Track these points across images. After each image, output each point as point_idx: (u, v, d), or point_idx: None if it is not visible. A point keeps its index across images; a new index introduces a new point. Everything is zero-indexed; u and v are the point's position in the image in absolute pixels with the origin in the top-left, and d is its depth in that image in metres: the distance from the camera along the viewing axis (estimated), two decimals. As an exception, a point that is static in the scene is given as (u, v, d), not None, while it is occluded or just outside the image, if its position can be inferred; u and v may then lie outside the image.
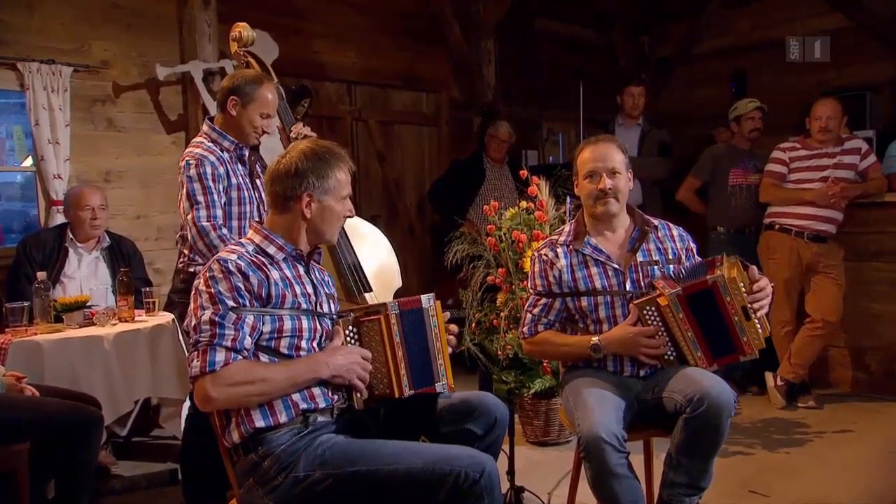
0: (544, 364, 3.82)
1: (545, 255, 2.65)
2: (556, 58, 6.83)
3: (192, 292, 1.98)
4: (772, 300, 2.44)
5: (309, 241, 2.13)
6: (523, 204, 4.04)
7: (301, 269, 2.12)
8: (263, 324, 1.96)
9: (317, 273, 2.19)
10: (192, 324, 1.94)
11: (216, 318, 1.90)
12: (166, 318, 3.51)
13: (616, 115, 5.42)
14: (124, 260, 3.87)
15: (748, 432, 3.97)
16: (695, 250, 2.69)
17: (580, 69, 6.37)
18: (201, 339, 1.90)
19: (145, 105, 4.62)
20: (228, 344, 1.89)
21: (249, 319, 1.93)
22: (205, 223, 2.84)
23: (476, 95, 6.28)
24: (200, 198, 2.85)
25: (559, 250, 2.64)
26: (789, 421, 4.21)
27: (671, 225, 2.73)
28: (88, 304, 3.44)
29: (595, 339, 2.51)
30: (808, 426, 4.11)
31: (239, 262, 1.97)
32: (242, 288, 1.94)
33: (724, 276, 2.37)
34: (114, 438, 3.77)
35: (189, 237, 2.89)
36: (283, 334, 1.99)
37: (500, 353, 3.91)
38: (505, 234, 3.98)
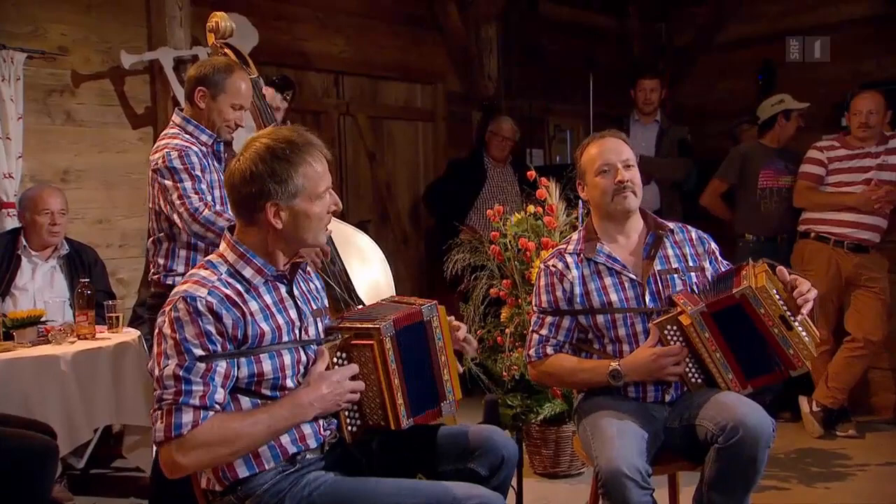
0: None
1: (553, 266, 2.62)
2: (564, 46, 6.79)
3: (156, 332, 1.87)
4: (815, 301, 2.38)
5: (290, 249, 2.01)
6: (531, 208, 4.00)
7: (283, 290, 2.00)
8: (238, 368, 1.86)
9: (302, 287, 2.08)
10: (155, 374, 1.82)
11: (181, 373, 1.78)
12: (131, 335, 3.46)
13: (631, 110, 5.40)
14: (84, 270, 3.83)
15: (782, 464, 3.92)
16: (718, 253, 2.67)
17: (591, 59, 6.32)
18: (165, 396, 1.78)
19: (108, 96, 4.56)
20: (196, 402, 1.78)
21: (221, 368, 1.82)
22: (196, 204, 2.81)
23: (476, 88, 6.25)
24: (187, 182, 2.83)
25: (569, 260, 2.61)
26: (827, 452, 4.16)
27: (688, 227, 2.71)
28: (43, 319, 3.39)
29: (615, 364, 2.46)
30: (848, 458, 4.07)
31: (209, 299, 1.83)
32: (213, 332, 1.82)
33: (751, 287, 2.33)
34: (70, 471, 3.71)
35: (181, 222, 2.85)
36: (264, 377, 1.89)
37: (504, 374, 3.87)
38: (510, 242, 3.94)
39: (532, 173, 4.08)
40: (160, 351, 1.83)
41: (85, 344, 3.29)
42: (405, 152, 6.14)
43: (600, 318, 2.52)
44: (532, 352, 2.62)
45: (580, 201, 4.06)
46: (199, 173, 2.87)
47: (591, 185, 2.62)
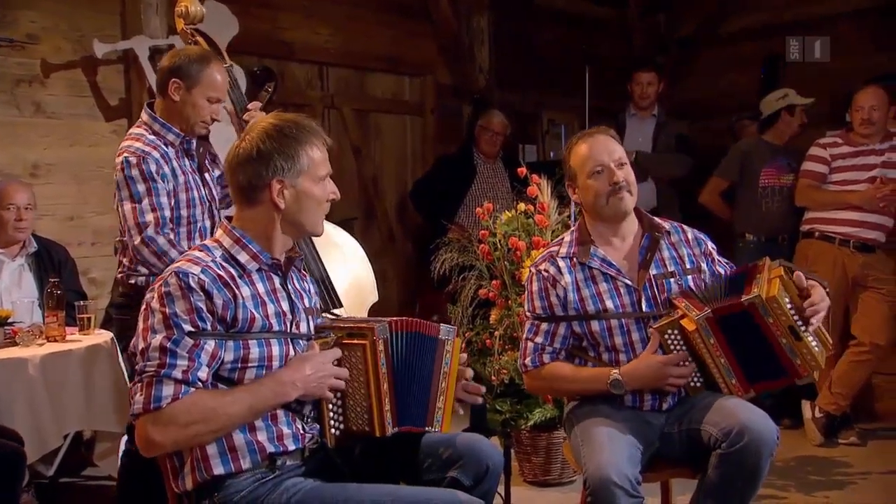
0: (545, 392, 3.79)
1: (545, 270, 2.61)
2: (559, 38, 6.82)
3: (143, 308, 1.92)
4: (828, 311, 2.42)
5: (289, 234, 2.07)
6: (521, 206, 4.03)
7: (277, 282, 2.06)
8: (225, 351, 1.91)
9: (296, 283, 2.14)
10: (140, 347, 1.87)
11: (168, 345, 1.83)
12: (103, 336, 3.46)
13: (628, 104, 5.43)
14: (54, 268, 3.83)
15: (781, 472, 3.96)
16: (715, 253, 2.69)
17: (587, 51, 6.35)
18: (147, 368, 1.83)
19: (80, 87, 4.57)
20: (179, 375, 1.82)
21: (209, 346, 1.87)
22: (151, 231, 2.83)
23: (467, 81, 6.28)
24: (145, 200, 2.84)
25: (561, 264, 2.61)
26: (828, 460, 4.19)
27: (684, 227, 2.72)
28: (10, 320, 3.39)
29: (615, 373, 2.47)
30: (850, 465, 4.10)
31: (202, 277, 1.89)
32: (204, 309, 1.88)
33: (761, 297, 2.35)
34: (38, 479, 3.70)
35: (132, 246, 2.87)
36: (249, 364, 1.94)
37: (493, 378, 3.88)
38: (500, 241, 3.96)
39: (523, 170, 4.09)
40: (146, 326, 1.88)
41: (55, 346, 3.28)
42: (393, 147, 6.17)
43: (595, 326, 2.53)
44: (528, 361, 2.61)
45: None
46: (157, 183, 2.87)
47: (583, 188, 2.61)
